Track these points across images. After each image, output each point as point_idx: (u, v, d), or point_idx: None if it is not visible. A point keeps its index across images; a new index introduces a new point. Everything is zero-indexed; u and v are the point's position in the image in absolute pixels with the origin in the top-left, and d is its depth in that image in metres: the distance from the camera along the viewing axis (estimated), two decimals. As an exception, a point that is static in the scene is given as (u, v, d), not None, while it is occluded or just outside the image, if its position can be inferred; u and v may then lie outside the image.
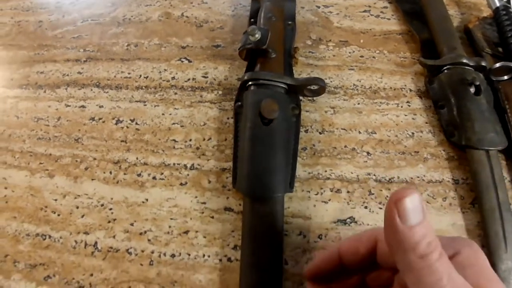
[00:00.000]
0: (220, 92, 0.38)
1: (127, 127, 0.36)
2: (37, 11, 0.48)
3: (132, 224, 0.32)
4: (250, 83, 0.35)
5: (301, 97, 0.37)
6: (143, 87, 0.38)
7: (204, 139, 0.35)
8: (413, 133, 0.36)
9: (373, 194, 0.33)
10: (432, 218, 0.32)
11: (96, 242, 0.31)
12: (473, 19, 0.44)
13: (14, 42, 0.45)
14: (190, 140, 0.35)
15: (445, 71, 0.38)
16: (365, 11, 0.45)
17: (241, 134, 0.34)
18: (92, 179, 0.34)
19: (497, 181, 0.33)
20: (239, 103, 0.35)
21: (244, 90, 0.35)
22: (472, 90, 0.36)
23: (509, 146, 0.35)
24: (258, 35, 0.35)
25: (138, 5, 0.45)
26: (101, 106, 0.38)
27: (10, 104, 0.40)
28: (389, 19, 0.44)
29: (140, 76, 0.39)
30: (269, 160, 0.31)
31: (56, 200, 0.34)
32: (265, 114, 0.32)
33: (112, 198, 0.33)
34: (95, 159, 0.35)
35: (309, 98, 0.37)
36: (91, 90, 0.39)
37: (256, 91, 0.34)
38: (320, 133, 0.35)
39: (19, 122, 0.39)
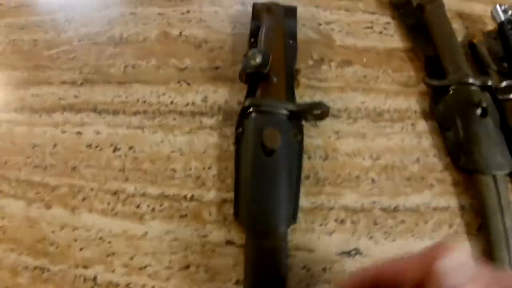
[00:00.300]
0: (220, 117, 0.37)
1: (125, 155, 0.36)
2: (32, 29, 0.47)
3: (131, 258, 0.32)
4: (251, 109, 0.34)
5: (303, 121, 0.36)
6: (141, 112, 0.38)
7: (204, 168, 0.34)
8: (418, 158, 0.36)
9: (378, 224, 0.32)
10: (439, 247, 0.32)
11: (95, 277, 0.31)
12: (477, 34, 0.44)
13: (9, 61, 0.45)
14: (190, 169, 0.35)
15: (451, 91, 0.37)
16: (367, 27, 0.44)
17: (243, 163, 0.33)
18: (90, 211, 0.34)
19: (503, 206, 0.32)
20: (240, 129, 0.35)
21: (245, 116, 0.35)
22: (479, 111, 0.36)
23: None
24: (259, 59, 0.34)
25: (135, 24, 0.44)
26: (98, 133, 0.37)
27: (5, 128, 0.40)
28: (392, 35, 0.43)
29: (138, 100, 0.39)
30: (272, 193, 0.31)
31: (54, 232, 0.33)
32: (267, 144, 0.31)
33: (110, 231, 0.33)
34: (92, 189, 0.35)
35: (312, 123, 0.36)
36: (88, 115, 0.38)
37: (257, 119, 0.33)
38: (323, 159, 0.35)
39: (14, 148, 0.38)
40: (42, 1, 0.50)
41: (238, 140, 0.35)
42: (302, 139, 0.35)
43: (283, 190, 0.31)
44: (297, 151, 0.34)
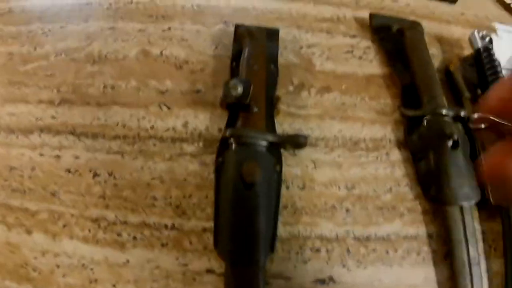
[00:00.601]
0: (201, 144, 0.38)
1: (105, 181, 0.36)
2: (7, 41, 0.46)
3: (114, 286, 0.33)
4: (231, 140, 0.35)
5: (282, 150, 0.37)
6: (121, 137, 0.38)
7: (184, 196, 0.36)
8: (391, 188, 0.38)
9: (351, 252, 0.34)
10: (406, 273, 0.35)
11: (77, 304, 0.32)
12: (454, 60, 0.45)
13: (-18, 76, 0.44)
14: (170, 197, 0.36)
15: (425, 122, 0.39)
16: (348, 51, 0.45)
17: (222, 194, 0.34)
18: (71, 237, 0.35)
19: (468, 236, 0.35)
20: (220, 159, 0.36)
21: (226, 147, 0.36)
22: (450, 143, 0.38)
23: (482, 196, 0.37)
24: (240, 90, 0.35)
25: (115, 40, 0.44)
26: (77, 157, 0.37)
27: (-20, 149, 0.39)
28: (371, 60, 0.45)
29: (118, 123, 0.39)
30: (251, 224, 0.33)
31: (36, 258, 0.34)
32: (246, 179, 0.33)
33: (92, 258, 0.34)
34: (73, 215, 0.35)
35: (291, 152, 0.38)
36: (66, 138, 0.39)
37: (238, 151, 0.35)
38: (301, 189, 0.36)
39: (-9, 170, 0.38)
40: (18, 10, 0.48)
41: (218, 170, 0.36)
42: (281, 169, 0.36)
43: (262, 222, 0.33)
44: (276, 182, 0.36)
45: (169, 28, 0.45)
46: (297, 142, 0.36)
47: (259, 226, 0.32)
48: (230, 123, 0.38)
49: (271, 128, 0.38)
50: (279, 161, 0.36)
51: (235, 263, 0.32)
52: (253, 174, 0.33)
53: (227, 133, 0.35)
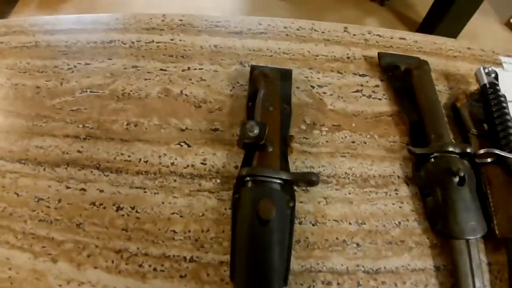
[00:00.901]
0: (219, 181, 0.40)
1: (128, 215, 0.39)
2: (34, 74, 0.49)
3: (134, 316, 0.34)
4: (247, 178, 0.37)
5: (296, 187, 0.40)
6: (143, 172, 0.41)
7: (202, 231, 0.38)
8: (399, 222, 0.40)
9: (361, 285, 0.36)
10: (414, 307, 0.36)
11: (100, 333, 0.34)
12: (461, 96, 0.48)
13: (12, 108, 0.47)
14: (189, 231, 0.38)
15: (432, 159, 0.42)
16: (357, 90, 0.48)
17: (238, 229, 0.37)
18: (95, 267, 0.37)
19: (474, 268, 0.37)
20: (237, 195, 0.39)
21: (242, 184, 0.39)
22: (457, 180, 0.40)
23: (488, 229, 0.39)
24: (256, 131, 0.38)
25: (137, 78, 0.47)
26: (101, 191, 0.40)
27: (9, 179, 0.43)
28: (380, 99, 0.47)
29: (140, 160, 0.42)
30: (265, 259, 0.35)
31: (60, 286, 0.37)
32: (262, 216, 0.35)
33: (114, 288, 0.36)
34: (97, 246, 0.38)
35: (303, 188, 0.40)
36: (91, 172, 0.41)
37: (253, 189, 0.37)
38: (313, 225, 0.39)
39: (19, 200, 0.41)
40: (44, 44, 0.52)
41: (235, 206, 0.39)
42: (294, 205, 0.39)
43: (276, 256, 0.35)
44: (290, 218, 0.38)
45: (189, 68, 0.49)
46: (309, 180, 0.39)
47: (273, 260, 0.35)
48: (247, 162, 0.41)
49: (284, 166, 0.41)
50: (292, 197, 0.39)
51: None
52: (269, 211, 0.35)
53: (244, 172, 0.38)
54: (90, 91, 0.47)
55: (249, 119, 0.43)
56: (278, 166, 0.40)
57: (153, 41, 0.52)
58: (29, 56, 0.52)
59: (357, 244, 0.39)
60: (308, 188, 0.41)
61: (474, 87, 0.50)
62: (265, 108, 0.42)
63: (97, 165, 0.42)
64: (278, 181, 0.38)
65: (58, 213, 0.40)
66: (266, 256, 0.35)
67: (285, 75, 0.47)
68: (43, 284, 0.37)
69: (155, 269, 0.37)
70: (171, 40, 0.52)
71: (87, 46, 0.52)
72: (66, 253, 0.38)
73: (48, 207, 0.40)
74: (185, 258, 0.37)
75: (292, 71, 0.48)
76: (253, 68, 0.47)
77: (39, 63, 0.51)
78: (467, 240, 0.38)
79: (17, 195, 0.42)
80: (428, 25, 1.56)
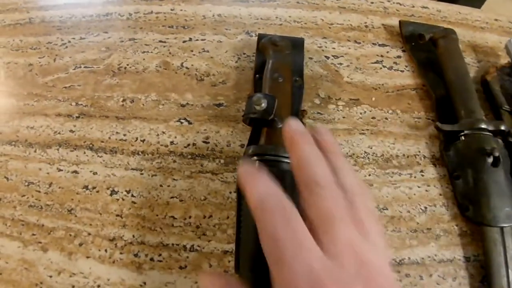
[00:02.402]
0: (222, 161, 0.36)
1: (123, 199, 0.35)
2: (27, 51, 0.46)
3: (129, 310, 0.31)
4: (254, 157, 0.33)
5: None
6: (140, 153, 0.37)
7: (204, 217, 0.34)
8: (426, 208, 0.35)
9: (383, 278, 0.32)
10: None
11: (93, 327, 0.30)
12: (491, 70, 0.43)
13: (3, 87, 0.44)
14: (190, 217, 0.34)
15: (462, 137, 0.37)
16: (377, 61, 0.43)
17: (244, 215, 0.32)
18: (87, 257, 0.34)
19: (508, 259, 0.33)
20: None
21: None
22: (490, 160, 0.35)
23: None
24: (264, 104, 0.33)
25: (135, 51, 0.43)
26: (95, 173, 0.36)
27: (-1, 162, 0.39)
28: (402, 71, 0.42)
29: (137, 139, 0.38)
30: None
31: (51, 276, 0.33)
32: None
33: (108, 279, 0.33)
34: (89, 234, 0.34)
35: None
36: (84, 153, 0.38)
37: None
38: (327, 211, 0.34)
39: (9, 184, 0.38)
40: (38, 20, 0.48)
41: (240, 190, 0.33)
42: None
43: None
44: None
45: (190, 39, 0.44)
46: None
47: None
48: (253, 140, 0.36)
49: None
50: None
51: None
52: None
53: (250, 151, 0.34)
54: (84, 67, 0.43)
55: (256, 92, 0.38)
56: None
57: (152, 11, 0.47)
58: (22, 33, 0.48)
59: (379, 232, 0.34)
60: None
61: (504, 60, 0.45)
62: (274, 79, 0.37)
63: (90, 145, 0.38)
64: (288, 160, 0.34)
65: (49, 198, 0.36)
66: None
67: (297, 45, 0.41)
68: (32, 275, 0.33)
69: (152, 259, 0.33)
70: (171, 10, 0.47)
71: (82, 20, 0.48)
72: (56, 241, 0.34)
73: (39, 191, 0.37)
74: (185, 247, 0.33)
75: (304, 40, 0.43)
76: (260, 37, 0.42)
77: (32, 40, 0.47)
78: (501, 228, 0.33)
79: (7, 179, 0.38)
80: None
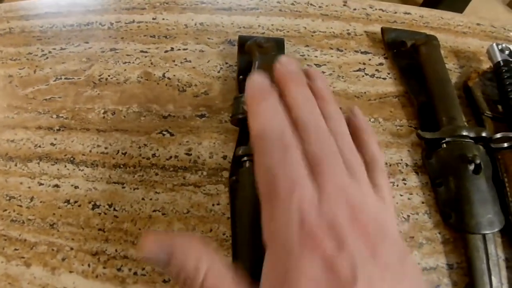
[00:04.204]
0: (205, 173, 0.36)
1: (105, 213, 0.35)
2: (6, 62, 0.45)
3: (113, 325, 0.31)
4: (245, 158, 0.34)
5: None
6: (121, 166, 0.37)
7: (187, 230, 0.34)
8: (408, 216, 0.36)
9: None
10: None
11: None
12: (473, 75, 0.43)
13: (-18, 99, 0.43)
14: (173, 230, 0.34)
15: (444, 145, 0.37)
16: (359, 69, 0.43)
17: (238, 215, 0.33)
18: (70, 272, 0.34)
19: (491, 265, 0.33)
20: (234, 177, 0.35)
21: (239, 165, 0.35)
22: (472, 167, 0.36)
23: (506, 222, 0.35)
24: None
25: (116, 62, 0.43)
26: (76, 187, 0.36)
27: (-21, 176, 0.38)
28: (384, 78, 0.43)
29: (118, 151, 0.38)
30: None
31: None
32: None
33: (91, 294, 0.32)
34: (72, 248, 0.34)
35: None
36: (65, 166, 0.38)
37: (253, 170, 0.33)
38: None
39: (-11, 199, 0.37)
40: (18, 30, 0.48)
41: (233, 189, 0.35)
42: None
43: None
44: None
45: (172, 49, 0.44)
46: None
47: None
48: (242, 140, 0.37)
49: None
50: None
51: None
52: None
53: (240, 152, 0.34)
54: (65, 78, 0.43)
55: (241, 93, 0.39)
56: None
57: (133, 21, 0.47)
58: (2, 44, 0.48)
59: (361, 241, 0.35)
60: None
61: (486, 65, 0.45)
62: None
63: (71, 158, 0.38)
64: None
65: (31, 213, 0.36)
66: None
67: (278, 45, 0.42)
68: (16, 291, 0.33)
69: (135, 273, 0.33)
70: (153, 19, 0.47)
71: (63, 30, 0.48)
72: (39, 256, 0.34)
73: (20, 206, 0.37)
74: (168, 260, 0.34)
75: (284, 40, 0.43)
76: (242, 39, 0.42)
77: (12, 51, 0.47)
78: (484, 235, 0.34)
79: (-13, 193, 0.38)
80: (432, 2, 1.50)
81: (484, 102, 0.42)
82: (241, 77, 0.41)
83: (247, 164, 0.34)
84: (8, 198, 0.37)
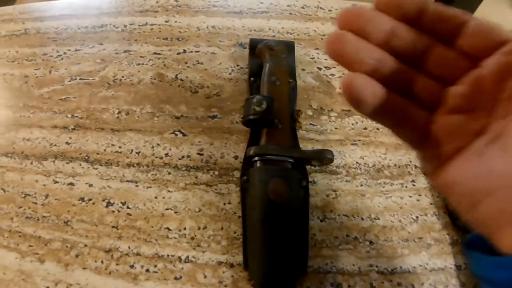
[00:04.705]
0: (217, 173, 0.37)
1: (118, 211, 0.36)
2: (22, 63, 0.46)
3: (125, 321, 0.32)
4: (256, 158, 0.35)
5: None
6: (135, 165, 0.38)
7: (199, 228, 0.35)
8: (417, 217, 0.36)
9: (374, 287, 0.33)
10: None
11: (89, 338, 0.31)
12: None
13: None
14: (185, 228, 0.35)
15: (453, 147, 0.37)
16: (370, 72, 0.43)
17: (249, 214, 0.34)
18: (84, 268, 0.34)
19: None
20: (245, 177, 0.36)
21: (250, 165, 0.36)
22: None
23: None
24: (264, 105, 0.35)
25: (129, 63, 0.44)
26: (90, 185, 0.37)
27: (-5, 174, 0.39)
28: (394, 81, 0.43)
29: (132, 151, 0.38)
30: (280, 244, 0.32)
31: (48, 287, 0.33)
32: (273, 199, 0.32)
33: (104, 290, 0.33)
34: (86, 245, 0.35)
35: (310, 180, 0.36)
36: (80, 165, 0.38)
37: (263, 169, 0.35)
38: (321, 220, 0.35)
39: (6, 196, 0.38)
40: (33, 31, 0.49)
41: (244, 189, 0.36)
42: (307, 184, 0.36)
43: (292, 240, 0.32)
44: (303, 198, 0.35)
45: (184, 51, 0.45)
46: (323, 157, 0.35)
47: (289, 245, 0.32)
48: (253, 141, 0.38)
49: (294, 143, 0.38)
50: (305, 176, 0.36)
51: (266, 284, 0.31)
52: (280, 192, 0.32)
53: (251, 152, 0.35)
54: (80, 79, 0.44)
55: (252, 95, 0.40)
56: (288, 143, 0.36)
57: (146, 23, 0.48)
58: (18, 44, 0.49)
59: (370, 242, 0.35)
60: (315, 180, 0.37)
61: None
62: (272, 82, 0.38)
63: (86, 157, 0.39)
64: (290, 159, 0.35)
65: (45, 210, 0.37)
66: (281, 240, 0.32)
67: (288, 48, 0.43)
68: (30, 286, 0.34)
69: (147, 270, 0.34)
70: (166, 22, 0.48)
71: (78, 31, 0.49)
72: (53, 253, 0.35)
73: (35, 203, 0.38)
74: (180, 258, 0.34)
75: (294, 43, 0.44)
76: (253, 42, 0.43)
77: (28, 51, 0.48)
78: (492, 235, 0.34)
79: (4, 190, 0.39)
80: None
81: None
82: (252, 79, 0.42)
83: (258, 164, 0.35)
84: (23, 195, 0.38)
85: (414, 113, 0.22)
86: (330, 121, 0.41)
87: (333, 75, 0.44)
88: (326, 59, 0.45)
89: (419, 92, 0.22)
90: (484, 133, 0.20)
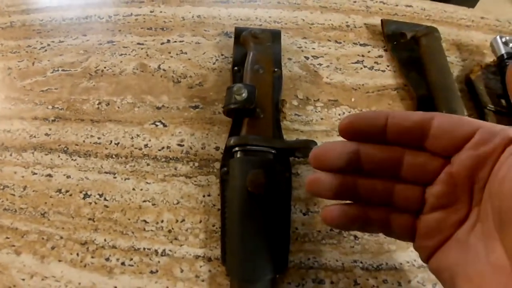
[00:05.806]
0: (196, 164, 0.36)
1: (95, 202, 0.35)
2: (7, 55, 0.46)
3: (99, 315, 0.31)
4: (236, 148, 0.34)
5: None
6: (113, 156, 0.37)
7: (177, 221, 0.34)
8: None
9: (359, 284, 0.32)
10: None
11: (62, 332, 0.30)
12: (475, 69, 0.42)
13: (-18, 91, 0.44)
14: (162, 221, 0.34)
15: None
16: (358, 61, 0.43)
17: (228, 206, 0.33)
18: (59, 260, 0.34)
19: None
20: (225, 168, 0.35)
21: (230, 155, 0.35)
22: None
23: None
24: (245, 94, 0.34)
25: (112, 54, 0.43)
26: (68, 176, 0.37)
27: (-25, 166, 0.39)
28: (383, 70, 0.42)
29: (111, 142, 0.38)
30: (260, 238, 0.31)
31: (23, 279, 0.33)
32: (251, 189, 0.31)
33: (79, 283, 0.33)
34: (62, 237, 0.34)
35: (294, 172, 0.35)
36: (59, 156, 0.38)
37: (243, 160, 0.34)
38: (304, 214, 0.34)
39: (-16, 188, 0.37)
40: (19, 24, 0.49)
41: (223, 180, 0.35)
42: (290, 176, 0.35)
43: (272, 234, 0.31)
44: (285, 190, 0.34)
45: (168, 41, 0.44)
46: (308, 148, 0.34)
47: (269, 239, 0.31)
48: (235, 131, 0.36)
49: (278, 134, 0.36)
50: (287, 168, 0.35)
51: (244, 280, 0.30)
52: (260, 183, 0.31)
53: (232, 142, 0.34)
54: (62, 70, 0.43)
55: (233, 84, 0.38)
56: (271, 134, 0.35)
57: (131, 14, 0.47)
58: (3, 37, 0.48)
59: (355, 237, 0.34)
60: (299, 171, 0.36)
61: (489, 59, 0.44)
62: (255, 71, 0.37)
63: (65, 148, 0.38)
64: (272, 150, 0.33)
65: (23, 201, 0.36)
66: (260, 233, 0.30)
67: (274, 37, 0.42)
68: (5, 278, 0.33)
69: (123, 263, 0.33)
70: (151, 12, 0.48)
71: (62, 23, 0.48)
72: (29, 245, 0.34)
73: (13, 195, 0.37)
74: (156, 251, 0.33)
75: (281, 31, 0.43)
76: (238, 30, 0.42)
77: (12, 44, 0.48)
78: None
79: (-18, 182, 0.39)
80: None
81: (487, 96, 0.41)
82: (235, 68, 0.41)
83: (238, 155, 0.34)
84: (2, 187, 0.38)
85: (397, 220, 0.25)
86: (316, 111, 0.39)
87: (320, 64, 0.42)
88: (313, 48, 0.44)
89: (400, 200, 0.24)
90: (465, 221, 0.22)
